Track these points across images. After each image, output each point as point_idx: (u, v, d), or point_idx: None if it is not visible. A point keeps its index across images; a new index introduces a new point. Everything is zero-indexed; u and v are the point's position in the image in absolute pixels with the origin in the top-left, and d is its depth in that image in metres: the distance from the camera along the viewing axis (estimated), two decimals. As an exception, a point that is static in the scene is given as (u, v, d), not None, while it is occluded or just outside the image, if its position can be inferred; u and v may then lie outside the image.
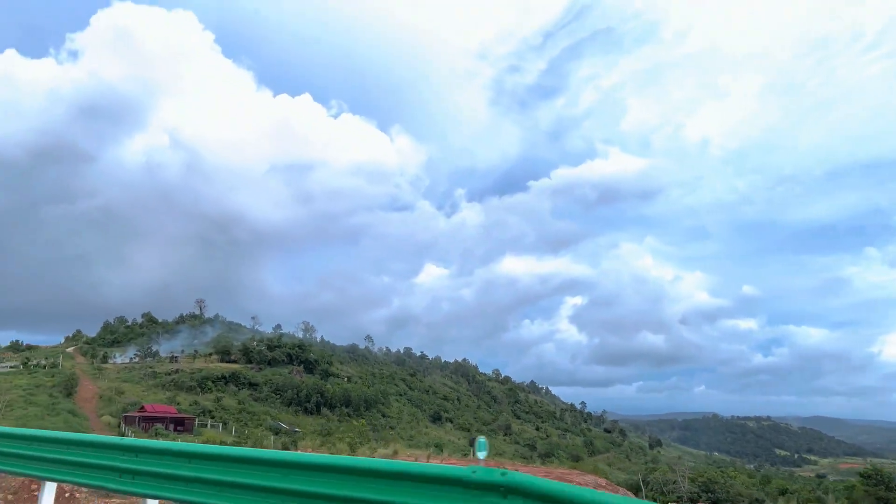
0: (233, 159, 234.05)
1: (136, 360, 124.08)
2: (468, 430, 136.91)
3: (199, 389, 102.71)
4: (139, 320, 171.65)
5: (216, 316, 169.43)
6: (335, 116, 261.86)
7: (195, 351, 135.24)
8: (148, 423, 75.13)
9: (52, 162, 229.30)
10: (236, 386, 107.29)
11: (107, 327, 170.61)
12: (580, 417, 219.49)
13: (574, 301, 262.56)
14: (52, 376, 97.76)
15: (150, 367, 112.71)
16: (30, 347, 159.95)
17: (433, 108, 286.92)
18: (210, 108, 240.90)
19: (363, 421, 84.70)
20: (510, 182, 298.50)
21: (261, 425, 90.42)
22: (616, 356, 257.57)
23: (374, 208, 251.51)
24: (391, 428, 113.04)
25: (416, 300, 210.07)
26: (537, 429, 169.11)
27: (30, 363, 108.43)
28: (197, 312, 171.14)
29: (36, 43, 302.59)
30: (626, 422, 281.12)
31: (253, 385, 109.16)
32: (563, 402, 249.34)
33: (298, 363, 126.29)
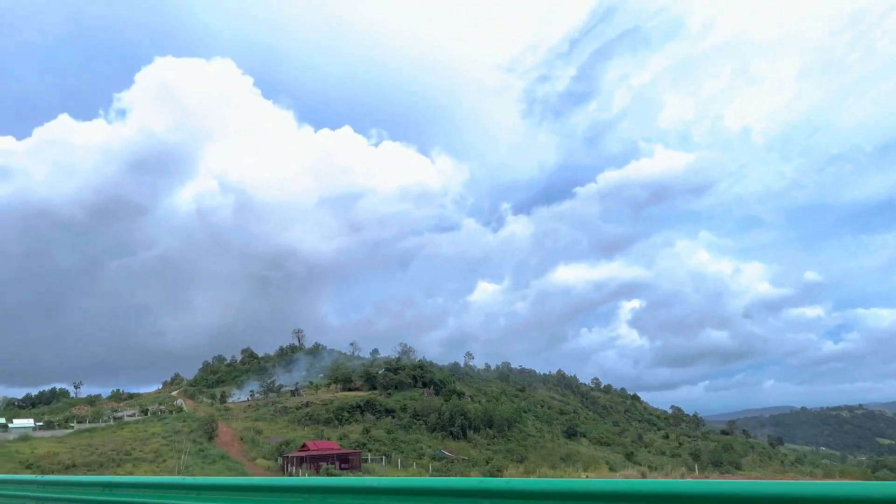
0: (281, 197, 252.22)
1: (257, 396, 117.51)
2: (608, 445, 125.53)
3: (336, 422, 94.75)
4: (238, 358, 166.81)
5: (316, 346, 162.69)
6: (376, 145, 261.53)
7: (310, 382, 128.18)
8: (314, 462, 67.01)
9: (109, 218, 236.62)
10: (373, 414, 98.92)
11: (206, 368, 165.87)
12: (694, 422, 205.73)
13: (632, 305, 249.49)
14: (184, 421, 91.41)
15: (278, 402, 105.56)
16: (132, 395, 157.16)
17: (468, 127, 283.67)
18: (255, 149, 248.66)
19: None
20: (553, 191, 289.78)
21: (422, 455, 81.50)
22: (680, 357, 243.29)
23: (423, 231, 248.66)
24: (539, 447, 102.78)
25: (471, 318, 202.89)
26: (666, 437, 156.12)
27: (150, 410, 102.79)
28: (296, 343, 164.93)
29: (86, 105, 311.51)
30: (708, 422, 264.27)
31: (389, 412, 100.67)
32: (653, 408, 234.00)
33: (421, 385, 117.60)
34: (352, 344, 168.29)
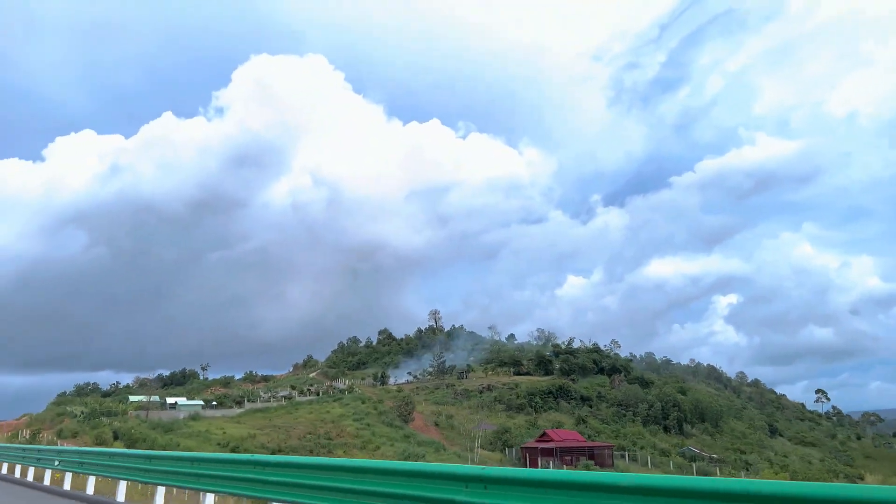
0: (371, 190, 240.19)
1: (417, 378, 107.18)
2: (813, 445, 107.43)
3: (529, 408, 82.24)
4: (373, 339, 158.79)
5: (454, 328, 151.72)
6: (464, 137, 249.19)
7: (467, 365, 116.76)
8: (562, 456, 54.43)
9: (209, 212, 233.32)
10: (567, 401, 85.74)
11: (342, 349, 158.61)
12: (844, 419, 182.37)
13: (728, 300, 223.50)
14: (363, 402, 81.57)
15: (452, 385, 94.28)
16: (265, 378, 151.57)
17: (555, 117, 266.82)
18: (346, 143, 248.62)
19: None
20: (643, 181, 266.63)
21: (667, 454, 67.55)
22: (779, 355, 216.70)
23: (510, 223, 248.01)
24: (760, 446, 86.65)
25: (558, 312, 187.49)
26: (858, 438, 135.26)
27: (307, 390, 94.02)
28: (433, 325, 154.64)
29: (188, 103, 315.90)
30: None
31: (585, 399, 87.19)
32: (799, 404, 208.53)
33: (599, 371, 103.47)
34: (490, 328, 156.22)
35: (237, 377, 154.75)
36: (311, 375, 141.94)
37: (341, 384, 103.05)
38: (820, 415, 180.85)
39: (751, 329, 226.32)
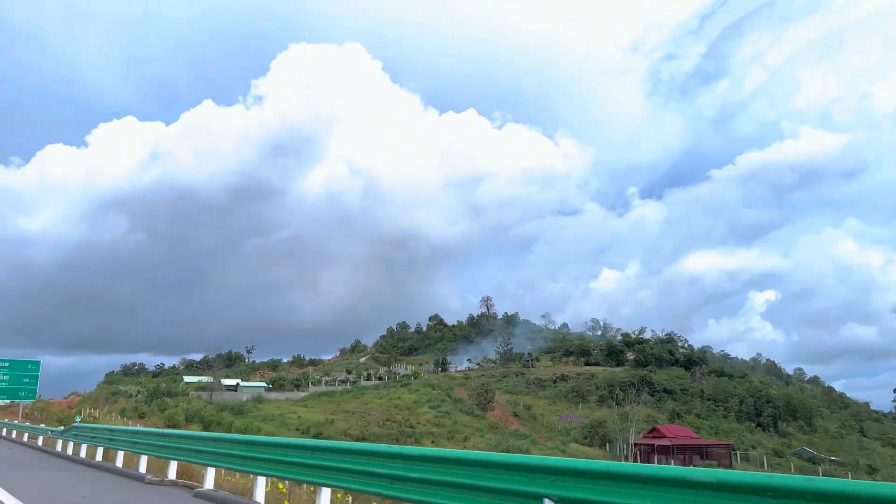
0: (406, 180, 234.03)
1: (480, 365, 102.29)
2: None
3: (610, 399, 76.57)
4: (423, 326, 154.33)
5: (508, 315, 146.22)
6: (500, 128, 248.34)
7: (529, 353, 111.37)
8: (674, 454, 48.78)
9: (247, 199, 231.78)
10: (650, 394, 79.82)
11: (392, 334, 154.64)
12: None
13: (766, 296, 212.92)
14: (433, 389, 76.92)
15: (519, 374, 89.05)
16: (313, 361, 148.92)
17: (591, 109, 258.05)
18: (382, 133, 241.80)
19: None
20: (681, 174, 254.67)
21: (780, 454, 61.37)
22: (818, 353, 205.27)
23: (545, 215, 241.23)
24: (861, 448, 79.72)
25: (591, 305, 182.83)
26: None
27: (368, 374, 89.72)
28: (485, 311, 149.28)
29: (227, 91, 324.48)
30: None
31: (668, 392, 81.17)
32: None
33: (675, 364, 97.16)
34: (543, 315, 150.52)
35: (284, 360, 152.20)
36: (361, 360, 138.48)
37: (401, 369, 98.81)
38: (884, 414, 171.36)
39: (788, 326, 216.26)
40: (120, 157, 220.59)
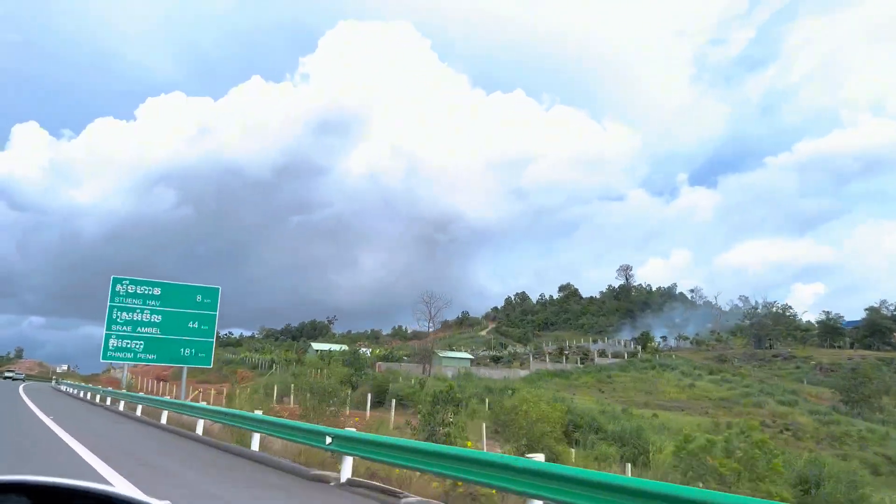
0: (450, 160, 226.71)
1: (693, 343, 78.11)
2: None
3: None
4: (550, 296, 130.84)
5: (660, 289, 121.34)
6: (547, 109, 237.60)
7: (717, 333, 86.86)
8: None
9: (292, 177, 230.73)
10: None
11: (511, 306, 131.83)
12: None
13: (814, 288, 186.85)
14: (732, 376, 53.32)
15: (782, 358, 64.45)
16: (416, 334, 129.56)
17: (638, 93, 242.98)
18: (428, 112, 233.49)
19: None
20: (728, 161, 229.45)
21: None
22: None
23: (591, 199, 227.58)
24: None
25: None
26: None
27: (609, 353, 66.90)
28: (623, 283, 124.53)
29: (274, 68, 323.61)
30: None
31: None
32: None
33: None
34: (692, 290, 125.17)
35: (384, 332, 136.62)
36: (481, 333, 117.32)
37: (594, 346, 75.11)
38: None
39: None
40: (168, 131, 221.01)
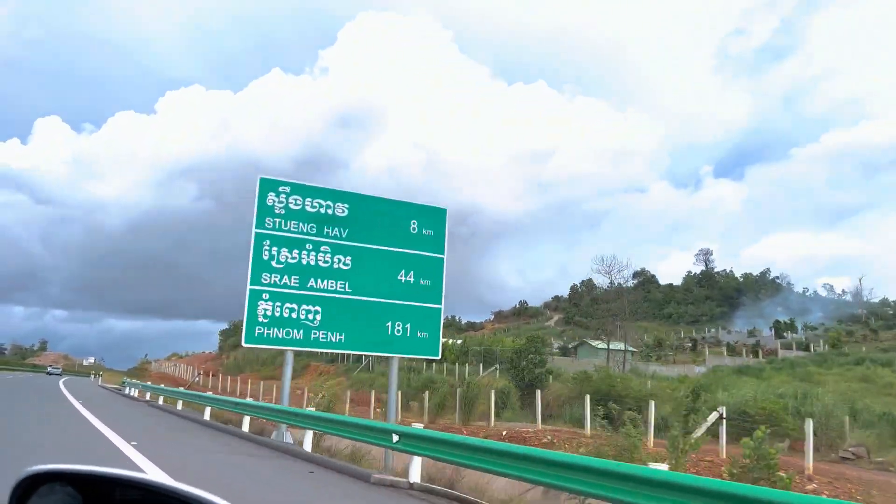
0: (471, 153, 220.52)
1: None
2: None
3: None
4: (617, 283, 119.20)
5: (748, 276, 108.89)
6: (570, 100, 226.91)
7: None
8: None
9: (313, 170, 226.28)
10: None
11: (578, 294, 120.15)
12: None
13: (841, 282, 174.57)
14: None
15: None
16: (471, 325, 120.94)
17: (661, 84, 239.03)
18: (448, 105, 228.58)
19: None
20: (751, 153, 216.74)
21: None
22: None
23: (615, 192, 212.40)
24: None
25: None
26: None
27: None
28: (703, 268, 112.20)
29: (295, 61, 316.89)
30: None
31: None
32: None
33: None
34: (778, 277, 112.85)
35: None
36: (548, 324, 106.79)
37: (728, 336, 63.58)
38: None
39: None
40: (188, 125, 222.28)
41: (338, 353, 58.48)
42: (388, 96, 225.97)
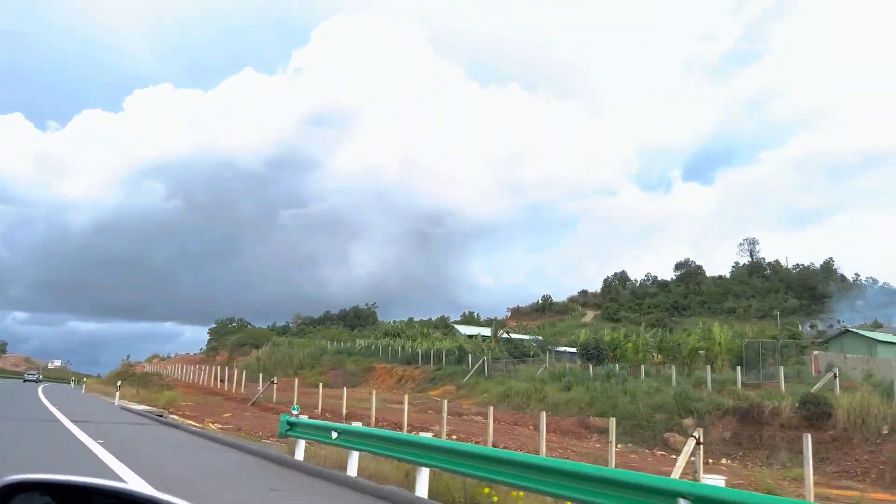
0: (445, 155, 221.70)
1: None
2: None
3: None
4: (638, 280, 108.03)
5: (803, 266, 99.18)
6: (543, 104, 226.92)
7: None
8: None
9: (286, 170, 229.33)
10: None
11: (611, 287, 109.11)
12: None
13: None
14: None
15: None
16: (489, 321, 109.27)
17: (631, 89, 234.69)
18: (423, 106, 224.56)
19: None
20: (722, 156, 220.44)
21: None
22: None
23: (588, 195, 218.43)
24: None
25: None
26: None
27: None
28: (748, 259, 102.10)
29: (267, 61, 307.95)
30: None
31: None
32: None
33: None
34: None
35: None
36: (584, 320, 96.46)
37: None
38: None
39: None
40: (157, 123, 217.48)
41: (409, 351, 46.12)
42: (362, 97, 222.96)
